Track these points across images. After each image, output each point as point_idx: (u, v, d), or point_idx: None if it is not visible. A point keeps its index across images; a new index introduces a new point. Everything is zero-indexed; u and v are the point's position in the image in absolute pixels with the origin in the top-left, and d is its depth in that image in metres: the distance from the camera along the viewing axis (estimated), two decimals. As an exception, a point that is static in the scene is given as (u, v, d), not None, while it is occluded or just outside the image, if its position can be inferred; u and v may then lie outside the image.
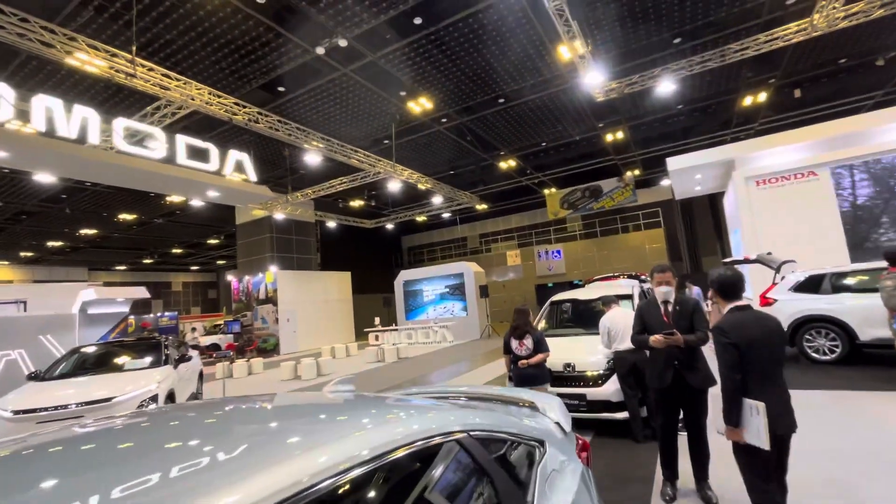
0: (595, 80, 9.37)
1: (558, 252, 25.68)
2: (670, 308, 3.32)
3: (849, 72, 14.12)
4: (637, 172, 22.89)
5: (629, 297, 6.02)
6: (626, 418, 4.54)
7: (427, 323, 17.87)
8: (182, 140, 8.20)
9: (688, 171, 11.57)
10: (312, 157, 11.63)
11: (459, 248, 31.28)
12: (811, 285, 7.43)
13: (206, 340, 20.59)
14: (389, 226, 24.91)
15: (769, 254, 8.46)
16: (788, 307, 7.47)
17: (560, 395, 4.86)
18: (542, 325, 6.32)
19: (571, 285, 27.07)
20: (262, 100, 11.81)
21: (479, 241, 30.72)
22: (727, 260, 8.75)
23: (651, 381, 3.32)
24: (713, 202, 23.75)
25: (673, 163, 11.13)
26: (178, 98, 7.95)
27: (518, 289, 27.31)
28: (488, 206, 27.30)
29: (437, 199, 20.26)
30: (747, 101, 15.14)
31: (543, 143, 17.85)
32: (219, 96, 8.98)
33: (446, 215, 24.57)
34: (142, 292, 11.88)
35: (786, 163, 10.16)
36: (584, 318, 6.16)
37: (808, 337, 7.25)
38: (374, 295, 25.29)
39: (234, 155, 9.01)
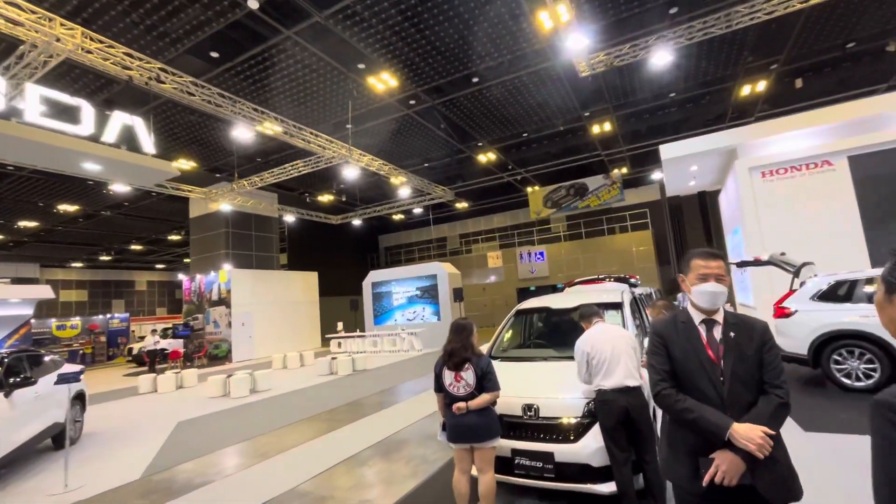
0: (579, 44, 7.88)
1: (541, 254, 24.28)
2: (718, 333, 1.72)
3: (854, 59, 12.97)
4: (624, 171, 21.64)
5: (617, 306, 4.50)
6: (614, 493, 2.99)
7: (394, 329, 16.25)
8: (35, 91, 6.37)
9: (683, 161, 10.19)
10: (243, 132, 9.88)
11: (439, 248, 29.71)
12: (839, 293, 6.02)
13: (162, 344, 18.60)
14: (357, 221, 23.18)
15: (783, 255, 7.06)
16: (810, 320, 6.05)
17: (516, 452, 3.30)
18: (506, 337, 4.77)
19: (554, 289, 25.72)
20: (195, 68, 10.09)
21: (459, 242, 29.21)
22: (737, 261, 7.34)
23: (674, 476, 1.73)
24: (703, 203, 22.63)
25: (667, 151, 9.73)
26: (38, 38, 6.17)
27: (499, 292, 25.86)
28: (468, 204, 25.83)
29: (406, 192, 18.66)
30: (745, 90, 13.92)
31: (525, 134, 16.41)
32: (100, 41, 7.15)
33: (418, 210, 22.94)
34: (45, 292, 9.98)
35: (796, 151, 8.82)
36: (560, 335, 4.61)
37: (836, 358, 5.83)
38: (345, 297, 23.56)
39: (121, 117, 7.12)
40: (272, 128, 10.77)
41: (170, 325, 19.76)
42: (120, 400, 10.40)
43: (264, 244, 20.11)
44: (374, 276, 19.00)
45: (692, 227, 23.24)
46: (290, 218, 20.44)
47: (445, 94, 12.66)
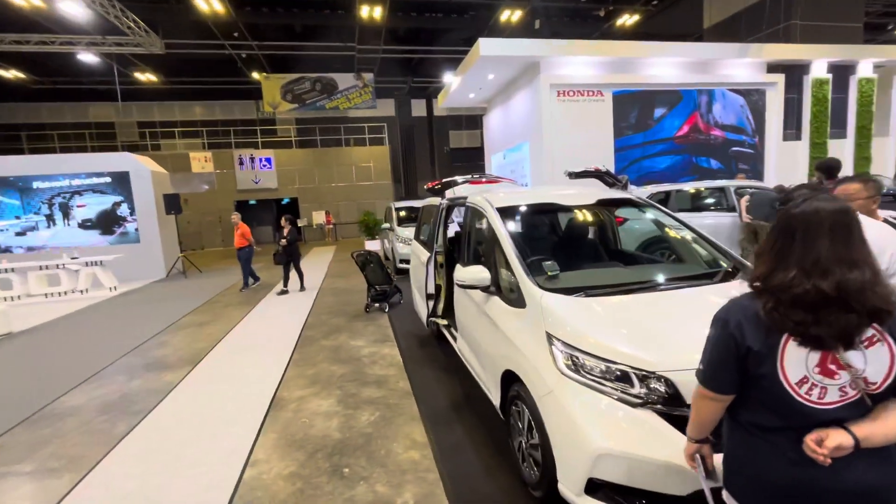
0: None
1: (268, 160, 20.11)
2: None
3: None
4: (370, 76, 19.92)
5: (633, 205, 3.27)
6: None
7: (54, 257, 9.71)
8: None
9: (490, 64, 9.53)
10: None
11: (101, 137, 20.25)
12: (661, 201, 6.81)
13: None
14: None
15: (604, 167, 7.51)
16: (642, 227, 6.65)
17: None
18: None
19: (279, 205, 22.23)
20: None
21: (139, 133, 20.76)
22: (572, 171, 7.34)
23: None
24: (431, 126, 23.98)
25: (487, 46, 8.73)
26: None
27: (210, 205, 20.14)
28: (159, 79, 18.24)
29: (69, 14, 11.06)
30: (504, 15, 14.47)
31: (279, -13, 12.04)
32: None
33: (91, 59, 14.34)
34: None
35: (583, 77, 9.60)
36: (595, 249, 3.00)
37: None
38: None
39: None
40: None
41: None
42: None
43: None
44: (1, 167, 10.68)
45: (420, 149, 24.38)
46: None
47: None
